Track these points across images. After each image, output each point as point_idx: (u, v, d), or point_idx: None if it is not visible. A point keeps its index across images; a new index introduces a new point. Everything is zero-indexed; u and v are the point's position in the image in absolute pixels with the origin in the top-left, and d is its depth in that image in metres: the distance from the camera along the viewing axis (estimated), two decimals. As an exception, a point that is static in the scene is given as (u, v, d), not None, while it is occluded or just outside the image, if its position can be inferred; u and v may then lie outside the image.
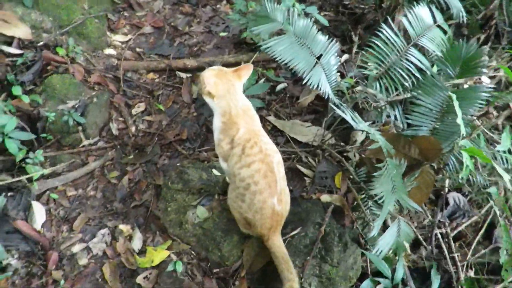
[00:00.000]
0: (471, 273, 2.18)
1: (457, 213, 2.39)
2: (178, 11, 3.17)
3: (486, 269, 2.25)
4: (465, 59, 1.66)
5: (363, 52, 2.94)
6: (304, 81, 1.65)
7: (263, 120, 2.45)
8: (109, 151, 2.36)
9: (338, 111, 1.54)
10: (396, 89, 1.78)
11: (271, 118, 2.48)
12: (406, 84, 1.75)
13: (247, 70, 1.61)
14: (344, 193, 1.87)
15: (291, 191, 1.87)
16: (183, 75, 2.74)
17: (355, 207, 1.86)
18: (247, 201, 1.54)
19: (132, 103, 2.60)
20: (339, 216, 1.83)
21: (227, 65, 2.74)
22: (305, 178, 1.97)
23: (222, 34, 3.04)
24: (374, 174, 1.56)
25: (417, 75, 1.75)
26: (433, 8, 1.91)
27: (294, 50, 1.68)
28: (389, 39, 1.79)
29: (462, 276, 2.00)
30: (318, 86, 1.67)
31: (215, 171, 1.99)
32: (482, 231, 2.26)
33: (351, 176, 1.91)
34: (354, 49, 2.96)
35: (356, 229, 1.82)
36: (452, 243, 2.13)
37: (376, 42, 1.79)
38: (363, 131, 2.20)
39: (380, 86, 1.82)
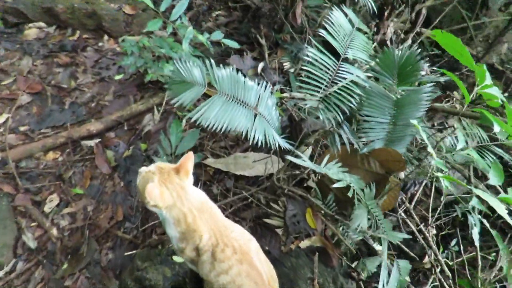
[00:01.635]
0: (433, 231, 2.28)
1: (408, 183, 2.45)
2: (54, 64, 2.63)
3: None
4: (400, 65, 1.57)
5: (282, 57, 2.85)
6: (250, 142, 1.42)
7: (201, 166, 2.18)
8: (35, 271, 1.90)
9: (296, 160, 1.35)
10: (343, 113, 1.63)
11: (210, 161, 2.22)
12: (352, 102, 1.62)
13: (190, 161, 1.31)
14: (321, 231, 1.73)
15: (268, 252, 1.68)
16: (91, 143, 2.30)
17: (337, 242, 1.75)
18: None
19: (41, 199, 2.12)
20: (325, 258, 1.70)
21: (138, 114, 2.42)
22: (276, 230, 1.78)
23: (117, 77, 2.60)
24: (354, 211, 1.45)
25: (358, 91, 1.63)
26: (344, 8, 1.78)
27: (229, 110, 1.43)
28: (317, 61, 1.62)
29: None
30: (266, 141, 1.45)
31: (175, 258, 1.70)
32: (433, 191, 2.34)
33: (321, 211, 1.77)
34: (266, 53, 2.77)
35: (346, 265, 1.71)
36: (415, 216, 2.15)
37: (306, 67, 1.61)
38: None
39: (324, 110, 1.67)
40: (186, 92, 1.42)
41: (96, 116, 2.43)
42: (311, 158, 2.15)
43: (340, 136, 1.70)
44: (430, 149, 1.32)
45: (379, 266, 1.81)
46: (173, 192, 1.25)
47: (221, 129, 1.41)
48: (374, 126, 1.68)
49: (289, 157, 1.41)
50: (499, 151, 1.57)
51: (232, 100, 1.47)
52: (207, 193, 2.19)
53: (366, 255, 1.85)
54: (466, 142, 1.53)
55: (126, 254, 1.97)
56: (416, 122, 1.27)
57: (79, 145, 2.30)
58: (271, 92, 1.64)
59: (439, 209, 2.33)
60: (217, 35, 2.02)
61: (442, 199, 2.39)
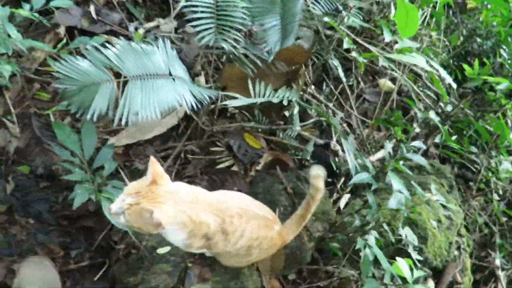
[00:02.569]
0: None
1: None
2: None
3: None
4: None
5: None
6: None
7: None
8: None
9: (234, 103, 1.35)
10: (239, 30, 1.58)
11: (112, 140, 1.96)
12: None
13: (157, 164, 1.14)
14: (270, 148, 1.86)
15: (238, 191, 1.76)
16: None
17: (284, 147, 1.91)
18: (255, 253, 1.44)
19: None
20: (283, 166, 1.87)
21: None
22: (231, 169, 1.82)
23: None
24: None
25: (243, 4, 1.57)
26: None
27: (151, 91, 1.25)
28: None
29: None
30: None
31: (160, 250, 1.64)
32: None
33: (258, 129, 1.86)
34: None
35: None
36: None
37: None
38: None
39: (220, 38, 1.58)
40: (96, 98, 1.15)
41: None
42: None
43: (246, 56, 1.69)
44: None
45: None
46: (169, 202, 1.14)
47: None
48: (269, 32, 1.70)
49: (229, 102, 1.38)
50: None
51: (146, 77, 1.27)
52: (134, 174, 2.03)
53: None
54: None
55: (96, 279, 1.79)
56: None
57: None
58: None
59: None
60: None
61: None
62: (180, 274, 1.61)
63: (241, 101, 1.45)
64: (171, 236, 1.24)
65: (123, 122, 1.17)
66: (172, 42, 2.20)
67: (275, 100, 1.51)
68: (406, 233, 1.75)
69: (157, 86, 1.27)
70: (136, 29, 2.17)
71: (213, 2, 1.52)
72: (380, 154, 2.23)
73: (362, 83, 2.78)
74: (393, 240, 1.75)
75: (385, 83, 2.80)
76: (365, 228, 1.73)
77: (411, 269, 1.43)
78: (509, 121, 2.66)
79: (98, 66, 1.17)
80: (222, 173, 1.78)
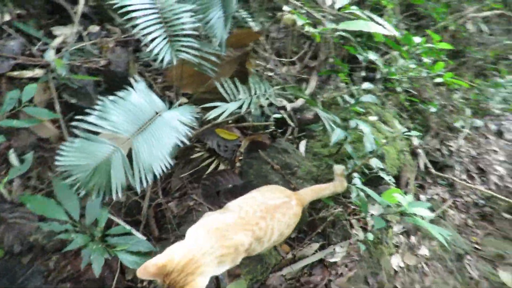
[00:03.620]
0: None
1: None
2: None
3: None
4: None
5: None
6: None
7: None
8: None
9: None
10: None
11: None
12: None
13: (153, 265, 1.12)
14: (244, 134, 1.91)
15: (234, 186, 1.83)
16: None
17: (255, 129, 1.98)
18: (286, 233, 1.56)
19: None
20: (261, 146, 1.97)
21: None
22: (219, 167, 1.84)
23: None
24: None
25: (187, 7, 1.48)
26: None
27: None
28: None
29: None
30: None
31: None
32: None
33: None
34: None
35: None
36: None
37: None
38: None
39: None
40: (113, 174, 1.09)
41: None
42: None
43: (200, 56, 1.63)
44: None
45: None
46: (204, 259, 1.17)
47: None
48: (215, 25, 1.65)
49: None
50: None
51: (143, 128, 1.21)
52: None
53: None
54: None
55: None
56: None
57: None
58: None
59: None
60: None
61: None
62: (211, 282, 1.71)
63: (224, 108, 1.45)
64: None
65: (144, 185, 1.12)
66: (93, 55, 1.96)
67: (252, 108, 1.54)
68: (374, 162, 2.08)
69: (155, 132, 1.20)
70: (43, 51, 1.86)
71: (157, 10, 1.39)
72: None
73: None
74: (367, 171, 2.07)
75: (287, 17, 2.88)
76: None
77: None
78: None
79: (97, 140, 1.06)
80: (212, 176, 1.82)
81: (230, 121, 1.93)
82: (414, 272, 2.37)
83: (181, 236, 1.72)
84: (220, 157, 1.86)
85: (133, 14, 1.33)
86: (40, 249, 1.72)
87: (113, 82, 1.93)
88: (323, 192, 1.76)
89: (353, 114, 1.92)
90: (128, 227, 1.65)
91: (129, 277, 1.81)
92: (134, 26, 1.36)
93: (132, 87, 1.28)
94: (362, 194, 1.82)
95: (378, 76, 2.98)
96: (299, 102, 2.44)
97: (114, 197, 1.07)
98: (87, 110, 1.11)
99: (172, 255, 1.11)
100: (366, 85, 2.08)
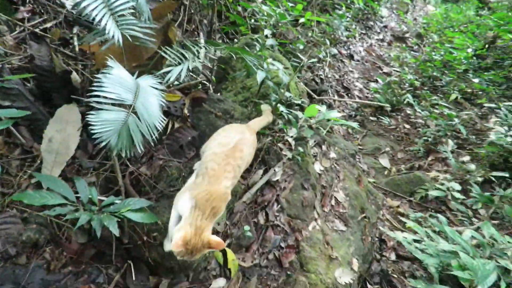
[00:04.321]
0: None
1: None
2: None
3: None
4: None
5: None
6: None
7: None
8: None
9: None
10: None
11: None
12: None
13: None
14: (184, 93, 2.16)
15: (195, 146, 2.12)
16: None
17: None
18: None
19: None
20: (201, 100, 2.26)
21: None
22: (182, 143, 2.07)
23: None
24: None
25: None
26: None
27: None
28: None
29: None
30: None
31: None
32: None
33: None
34: None
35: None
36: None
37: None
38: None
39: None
40: (133, 134, 1.31)
41: None
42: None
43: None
44: None
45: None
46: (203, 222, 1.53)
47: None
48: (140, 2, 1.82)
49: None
50: None
51: (137, 95, 1.42)
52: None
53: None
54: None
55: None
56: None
57: None
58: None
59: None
60: None
61: None
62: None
63: (178, 69, 1.72)
64: None
65: (150, 141, 1.35)
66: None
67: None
68: (287, 93, 2.59)
69: (144, 96, 1.40)
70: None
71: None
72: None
73: None
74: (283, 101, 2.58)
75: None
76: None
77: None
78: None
79: (114, 109, 1.23)
80: (171, 135, 2.05)
81: (171, 85, 2.15)
82: (331, 172, 3.07)
83: (161, 192, 1.98)
84: (173, 117, 2.09)
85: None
86: (32, 245, 1.76)
87: (42, 77, 1.93)
88: (262, 122, 2.21)
89: (265, 57, 2.36)
90: (114, 197, 1.82)
91: (125, 240, 2.00)
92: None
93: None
94: (290, 116, 2.33)
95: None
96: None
97: (139, 150, 1.30)
98: (95, 87, 1.27)
99: (185, 228, 1.47)
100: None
